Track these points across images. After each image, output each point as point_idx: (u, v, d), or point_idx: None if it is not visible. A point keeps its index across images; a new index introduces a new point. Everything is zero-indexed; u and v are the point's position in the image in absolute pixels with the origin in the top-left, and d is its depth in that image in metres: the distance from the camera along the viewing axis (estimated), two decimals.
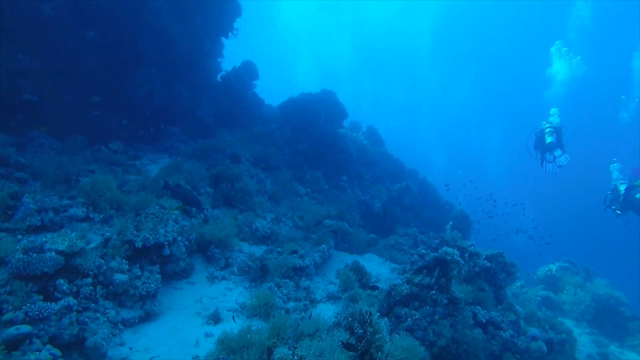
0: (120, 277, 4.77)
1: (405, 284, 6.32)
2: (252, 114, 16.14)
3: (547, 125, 12.10)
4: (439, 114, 64.19)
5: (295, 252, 7.27)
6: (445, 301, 5.98)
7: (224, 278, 6.57)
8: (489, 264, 7.51)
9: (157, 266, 5.57)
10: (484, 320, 6.45)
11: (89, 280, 4.47)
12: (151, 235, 5.52)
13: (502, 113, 60.04)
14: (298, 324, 4.45)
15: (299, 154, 14.46)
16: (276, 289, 6.12)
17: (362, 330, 4.66)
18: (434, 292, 6.04)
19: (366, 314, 4.73)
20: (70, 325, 3.95)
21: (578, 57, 24.35)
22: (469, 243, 7.94)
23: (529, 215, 17.40)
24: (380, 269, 9.34)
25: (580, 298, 12.52)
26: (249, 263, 6.71)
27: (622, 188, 12.28)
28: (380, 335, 4.57)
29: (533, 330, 6.65)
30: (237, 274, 6.72)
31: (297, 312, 5.86)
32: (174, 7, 12.05)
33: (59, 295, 4.10)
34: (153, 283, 5.18)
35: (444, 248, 5.98)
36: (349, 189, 14.61)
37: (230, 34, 14.83)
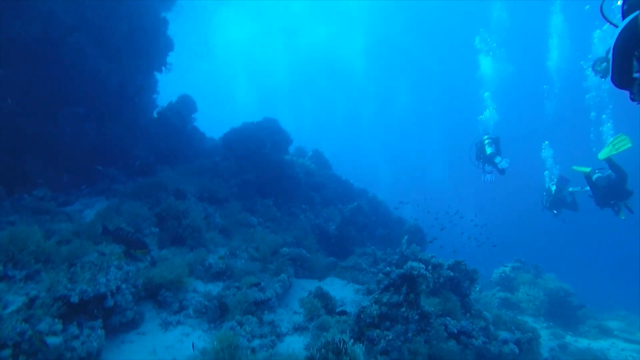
0: (52, 341, 4.07)
1: (374, 304, 6.12)
2: (194, 148, 15.56)
3: (486, 137, 12.99)
4: (379, 127, 67.09)
5: (256, 284, 6.81)
6: (416, 317, 5.85)
7: (179, 323, 5.94)
8: (452, 274, 7.55)
9: (100, 320, 4.87)
10: (456, 331, 6.37)
11: (8, 352, 3.74)
12: (89, 286, 4.85)
13: (440, 118, 63.76)
14: None
15: (247, 184, 14.03)
16: (238, 327, 5.62)
17: None
18: (403, 309, 5.90)
19: (340, 342, 4.44)
20: None
21: (502, 51, 26.52)
22: (429, 255, 7.97)
23: (471, 218, 18.20)
24: (344, 291, 9.06)
25: (534, 294, 13.07)
26: (206, 303, 6.16)
27: (553, 189, 13.34)
28: None
29: (503, 334, 6.70)
30: (193, 316, 6.12)
31: (264, 349, 5.39)
32: (99, 42, 11.43)
33: None
34: (95, 341, 4.49)
35: (409, 263, 5.90)
36: (301, 215, 14.35)
37: (163, 68, 14.36)
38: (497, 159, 12.11)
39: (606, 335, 12.05)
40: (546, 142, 17.93)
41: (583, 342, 11.28)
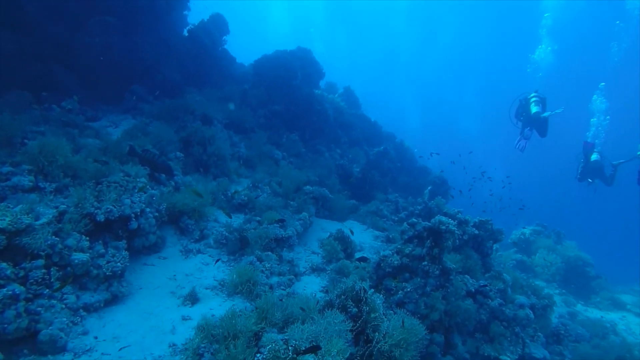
0: (79, 257, 4.13)
1: (395, 254, 6.01)
2: (223, 73, 15.01)
3: (533, 94, 11.73)
4: (415, 69, 62.98)
5: (281, 220, 6.77)
6: (437, 272, 5.72)
7: (199, 251, 6.02)
8: (477, 232, 7.31)
9: (124, 241, 4.93)
10: (473, 290, 6.28)
11: (41, 262, 3.80)
12: (115, 207, 4.84)
13: (483, 62, 59.22)
14: (286, 305, 4.02)
15: (275, 115, 13.65)
16: (258, 263, 5.65)
17: (356, 309, 4.31)
18: (425, 263, 5.76)
19: (360, 290, 4.37)
20: (17, 317, 3.33)
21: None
22: (455, 209, 7.68)
23: (502, 179, 17.49)
24: (362, 236, 9.04)
25: (551, 260, 12.88)
26: (227, 234, 6.17)
27: (593, 157, 12.32)
28: (377, 314, 4.23)
29: (521, 298, 6.58)
30: (213, 246, 6.19)
31: (282, 287, 5.44)
32: None
33: (2, 282, 3.44)
34: (119, 261, 4.57)
35: (438, 217, 5.64)
36: (326, 153, 14.08)
37: None
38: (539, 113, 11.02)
39: (618, 308, 11.96)
40: (597, 92, 16.26)
41: (593, 312, 11.25)
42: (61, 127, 7.63)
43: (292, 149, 12.53)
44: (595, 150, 12.77)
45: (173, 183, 6.89)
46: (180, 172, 7.75)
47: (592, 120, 14.03)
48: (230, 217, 6.37)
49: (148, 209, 5.30)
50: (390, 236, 8.70)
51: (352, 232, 7.39)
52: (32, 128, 6.80)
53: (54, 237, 4.01)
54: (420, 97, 62.33)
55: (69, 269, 4.06)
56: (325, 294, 5.77)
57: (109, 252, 4.64)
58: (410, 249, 6.00)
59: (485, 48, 57.88)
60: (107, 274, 4.39)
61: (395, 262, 5.87)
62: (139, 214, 5.09)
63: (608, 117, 14.20)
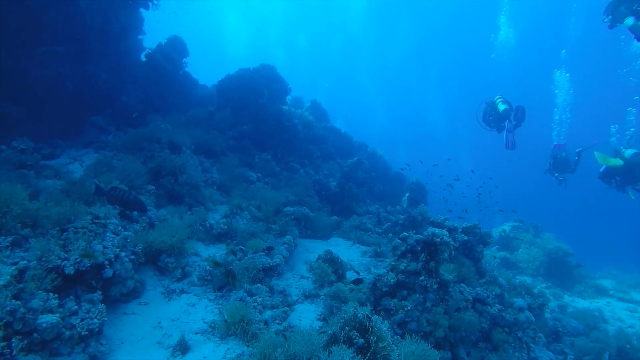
0: (47, 319, 3.62)
1: (390, 272, 5.79)
2: (186, 96, 14.54)
3: (499, 97, 12.14)
4: (378, 65, 63.46)
5: (269, 248, 6.43)
6: (435, 286, 5.54)
7: (183, 291, 5.56)
8: (466, 238, 7.23)
9: (99, 292, 4.43)
10: (471, 298, 6.15)
11: None
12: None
13: (442, 57, 60.60)
14: (288, 345, 3.68)
15: (244, 136, 13.30)
16: (248, 298, 5.26)
17: (363, 340, 4.02)
18: (422, 277, 5.57)
19: (365, 319, 4.10)
20: None
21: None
22: (441, 217, 7.60)
23: (481, 183, 17.77)
24: (349, 253, 8.80)
25: (534, 254, 13.13)
26: (211, 270, 5.74)
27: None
28: (385, 343, 3.96)
29: (519, 302, 6.52)
30: (197, 284, 5.74)
31: (277, 321, 5.07)
32: None
33: None
34: (96, 317, 4.07)
35: (431, 229, 5.49)
36: (300, 169, 13.82)
37: (150, 3, 12.93)
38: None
39: (602, 295, 12.30)
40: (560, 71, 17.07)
41: (580, 302, 11.48)
42: (14, 170, 6.96)
43: (266, 169, 12.20)
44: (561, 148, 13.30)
45: (147, 219, 6.38)
46: (153, 206, 7.25)
47: (555, 117, 14.61)
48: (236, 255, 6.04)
49: (123, 253, 4.81)
50: (378, 250, 8.50)
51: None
52: None
53: (13, 301, 3.50)
54: (385, 92, 63.34)
55: (35, 335, 3.55)
56: (323, 322, 5.45)
57: (83, 307, 4.14)
58: (404, 264, 5.80)
59: (445, 36, 59.07)
60: (83, 333, 3.89)
61: (392, 280, 5.65)
62: (113, 259, 4.61)
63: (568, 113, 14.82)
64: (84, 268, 4.28)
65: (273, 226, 8.22)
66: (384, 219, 11.09)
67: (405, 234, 6.06)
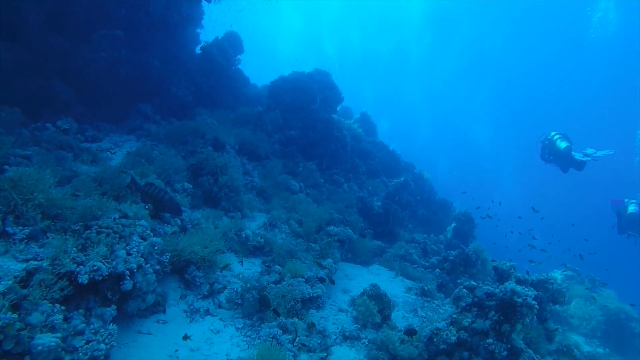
0: (44, 341, 2.95)
1: (450, 326, 4.80)
2: (236, 94, 14.16)
3: (554, 132, 11.40)
4: (426, 75, 61.47)
5: (321, 279, 5.64)
6: (505, 353, 4.50)
7: (208, 312, 4.83)
8: (535, 292, 6.09)
9: (113, 307, 3.77)
10: None
11: None
12: (105, 263, 3.70)
13: (493, 74, 57.87)
14: None
15: (291, 141, 12.67)
16: (282, 334, 4.43)
17: None
18: (490, 340, 4.54)
19: None
20: None
21: None
22: (508, 264, 6.50)
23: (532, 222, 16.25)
24: (392, 286, 7.81)
25: (590, 313, 11.53)
26: (243, 292, 4.98)
27: (631, 208, 11.71)
28: None
29: None
30: (225, 306, 4.99)
31: None
32: None
33: None
34: (104, 340, 3.39)
35: (512, 285, 4.47)
36: (345, 184, 13.01)
37: None
38: (590, 150, 10.27)
39: None
40: None
41: None
42: (54, 150, 6.59)
43: (310, 179, 11.47)
44: (631, 201, 12.03)
45: (179, 222, 5.75)
46: (188, 207, 6.65)
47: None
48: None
49: (147, 264, 4.14)
50: (426, 288, 7.47)
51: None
52: (17, 152, 5.74)
53: (9, 313, 2.86)
54: (431, 105, 61.23)
55: (27, 358, 2.88)
56: None
57: (92, 324, 3.47)
58: (469, 320, 4.79)
59: (498, 54, 56.57)
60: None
61: (452, 338, 4.65)
62: (135, 269, 3.94)
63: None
64: (101, 277, 3.63)
65: (313, 245, 7.41)
66: (430, 250, 10.01)
67: (472, 282, 5.08)
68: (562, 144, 11.22)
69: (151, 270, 4.23)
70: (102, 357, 3.33)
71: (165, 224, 5.52)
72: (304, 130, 12.95)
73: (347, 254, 8.47)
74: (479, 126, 59.28)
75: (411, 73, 62.53)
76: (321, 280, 5.93)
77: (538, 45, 50.98)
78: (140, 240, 4.29)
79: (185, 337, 4.09)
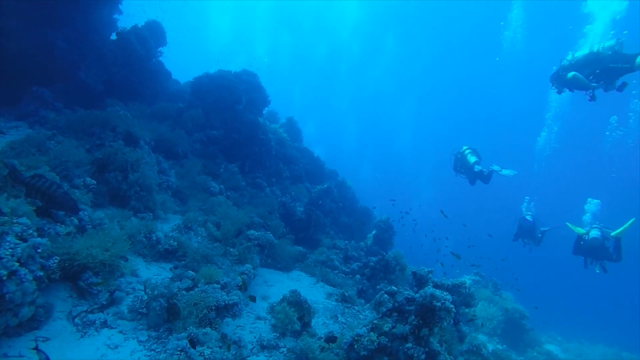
0: None
1: (371, 332, 4.78)
2: (155, 88, 13.17)
3: (465, 147, 12.51)
4: (355, 82, 63.00)
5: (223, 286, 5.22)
6: (422, 356, 4.58)
7: (105, 325, 4.21)
8: (450, 297, 6.39)
9: None
10: None
11: None
12: None
13: (418, 86, 60.79)
14: None
15: (212, 142, 12.05)
16: (192, 349, 4.01)
17: None
18: (410, 345, 4.60)
19: None
20: None
21: None
22: (426, 269, 6.75)
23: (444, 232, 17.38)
24: (313, 292, 7.70)
25: (492, 313, 12.63)
26: (149, 301, 4.45)
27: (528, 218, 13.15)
28: None
29: None
30: (127, 316, 4.41)
31: None
32: None
33: None
34: None
35: (431, 290, 4.57)
36: (267, 188, 12.70)
37: None
38: (496, 167, 11.30)
39: None
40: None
41: None
42: None
43: (231, 182, 10.99)
44: (528, 213, 13.47)
45: (76, 221, 5.01)
46: (90, 205, 5.85)
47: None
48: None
49: (23, 270, 3.46)
50: (346, 294, 7.47)
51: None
52: None
53: None
54: (360, 109, 63.05)
55: None
56: None
57: None
58: (389, 325, 4.81)
59: (424, 63, 59.36)
60: None
61: (373, 344, 4.62)
62: (4, 277, 3.26)
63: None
64: None
65: (232, 249, 7.00)
66: (351, 256, 10.13)
67: (393, 288, 5.13)
68: (472, 159, 12.20)
69: (30, 278, 3.55)
70: None
71: (58, 224, 4.76)
72: (227, 131, 12.43)
73: (267, 259, 8.18)
74: (402, 134, 62.65)
75: (341, 77, 64.20)
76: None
77: (459, 57, 55.26)
78: (17, 241, 3.60)
79: None
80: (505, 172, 10.92)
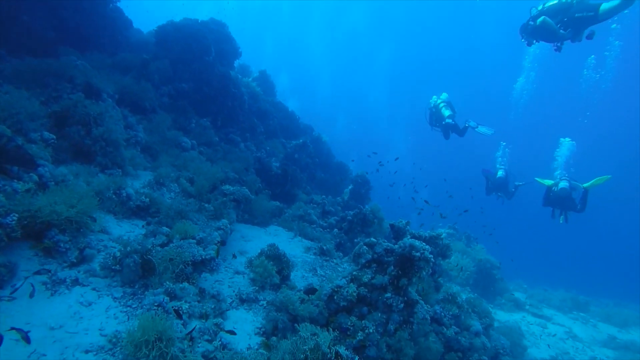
0: None
1: (350, 283, 4.83)
2: (115, 37, 12.16)
3: (439, 100, 12.37)
4: (329, 31, 60.82)
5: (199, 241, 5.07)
6: (401, 305, 4.69)
7: (77, 282, 4.04)
8: (429, 247, 6.53)
9: None
10: (429, 317, 5.45)
11: None
12: None
13: (395, 36, 59.46)
14: None
15: (182, 95, 11.43)
16: (169, 300, 3.93)
17: None
18: (389, 294, 4.69)
19: (334, 355, 3.09)
20: None
21: None
22: (403, 222, 6.82)
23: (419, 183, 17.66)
24: (291, 246, 7.72)
25: (465, 264, 13.17)
26: (122, 257, 4.28)
27: (500, 174, 13.47)
28: None
29: (476, 325, 5.99)
30: (100, 274, 4.25)
31: (206, 337, 3.83)
32: None
33: None
34: None
35: (410, 241, 4.61)
36: (241, 143, 12.37)
37: None
38: (472, 122, 11.34)
39: (519, 309, 12.76)
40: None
41: (500, 315, 11.72)
42: None
43: (203, 137, 10.61)
44: (501, 167, 13.77)
45: (35, 177, 4.67)
46: (51, 161, 5.46)
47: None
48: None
49: None
50: (324, 248, 7.53)
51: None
52: None
53: None
54: (333, 62, 61.09)
55: None
56: (263, 337, 4.33)
57: None
58: (368, 276, 4.88)
59: (399, 14, 57.72)
60: None
61: (353, 295, 4.68)
62: None
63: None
64: None
65: (207, 205, 6.82)
66: (329, 211, 10.16)
67: (373, 239, 5.15)
68: (446, 112, 12.15)
69: None
70: None
71: (14, 180, 4.42)
72: (197, 84, 11.80)
73: (243, 214, 8.08)
74: (377, 86, 61.71)
75: (314, 27, 61.58)
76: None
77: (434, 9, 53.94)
78: None
79: None
80: (481, 129, 10.97)
